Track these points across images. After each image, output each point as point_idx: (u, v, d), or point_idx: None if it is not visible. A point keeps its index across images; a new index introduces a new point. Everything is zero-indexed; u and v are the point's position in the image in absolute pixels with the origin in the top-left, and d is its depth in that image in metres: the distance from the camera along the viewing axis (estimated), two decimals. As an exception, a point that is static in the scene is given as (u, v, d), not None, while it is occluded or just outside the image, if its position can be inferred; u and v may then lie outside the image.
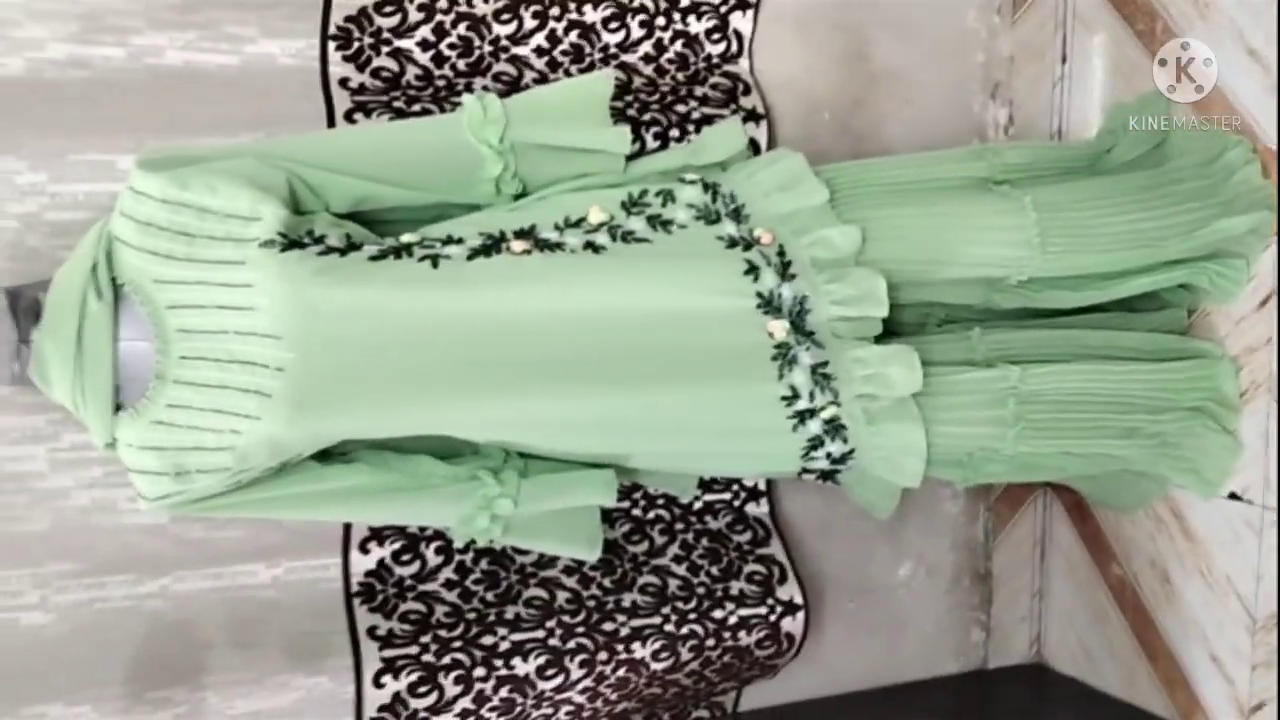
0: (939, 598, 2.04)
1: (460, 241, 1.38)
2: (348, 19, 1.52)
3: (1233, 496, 1.67)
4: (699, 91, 1.68)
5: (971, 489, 2.04)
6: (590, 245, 1.40)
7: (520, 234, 1.40)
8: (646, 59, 1.68)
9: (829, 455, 1.49)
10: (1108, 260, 1.58)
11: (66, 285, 1.28)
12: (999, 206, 1.57)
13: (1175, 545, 1.79)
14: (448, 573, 1.58)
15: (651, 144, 1.61)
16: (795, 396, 1.43)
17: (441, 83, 1.57)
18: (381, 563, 1.56)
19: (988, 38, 1.95)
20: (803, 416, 1.44)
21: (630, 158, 1.51)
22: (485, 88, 1.58)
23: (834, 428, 1.46)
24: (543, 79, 1.62)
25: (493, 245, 1.38)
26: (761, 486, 1.80)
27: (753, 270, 1.43)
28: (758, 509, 1.78)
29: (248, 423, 1.28)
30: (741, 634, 1.64)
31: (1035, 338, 1.64)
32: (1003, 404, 1.53)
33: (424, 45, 1.57)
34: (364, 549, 1.56)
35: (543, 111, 1.45)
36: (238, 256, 1.27)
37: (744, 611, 1.65)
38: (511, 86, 1.60)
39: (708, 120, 1.65)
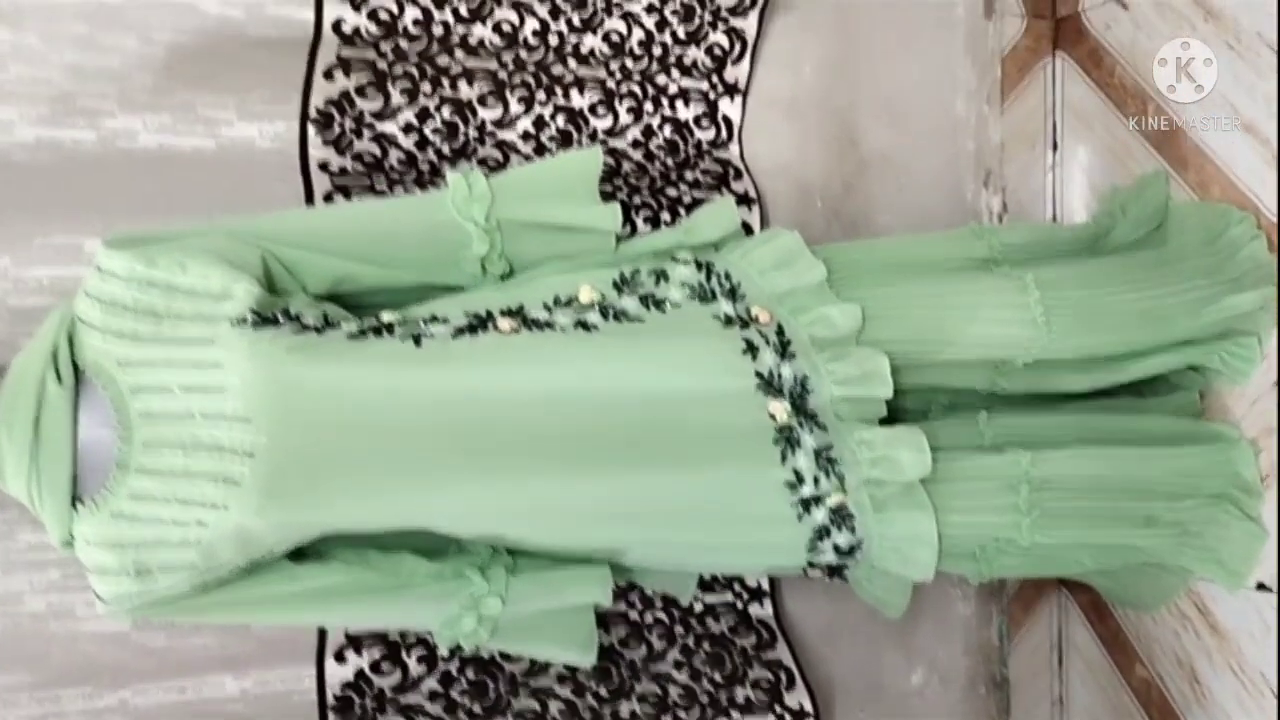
0: (954, 706, 1.92)
1: (445, 320, 1.31)
2: (328, 102, 1.48)
3: (1260, 587, 1.58)
4: (689, 176, 1.65)
5: (984, 590, 1.94)
6: (581, 324, 1.34)
7: (508, 313, 1.34)
8: (635, 144, 1.65)
9: (836, 547, 1.40)
10: (1115, 340, 1.53)
11: (24, 371, 1.20)
12: (1000, 285, 1.52)
13: (1203, 641, 1.70)
14: (431, 683, 1.47)
15: (642, 228, 1.57)
16: (800, 482, 1.35)
17: (425, 167, 1.53)
18: (360, 673, 1.45)
19: (977, 125, 1.93)
20: (808, 504, 1.36)
21: (620, 240, 1.46)
22: (470, 167, 1.54)
23: (841, 517, 1.38)
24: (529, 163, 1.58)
25: (479, 324, 1.31)
26: (765, 586, 1.70)
27: (751, 349, 1.36)
28: (761, 610, 1.68)
29: (214, 513, 1.19)
30: (749, 744, 1.52)
31: (1044, 423, 1.58)
32: (1015, 490, 1.46)
33: (407, 129, 1.53)
34: (340, 658, 1.45)
35: (530, 188, 1.41)
36: (207, 335, 1.20)
37: (750, 720, 1.53)
38: (498, 171, 1.55)
39: (699, 204, 1.61)
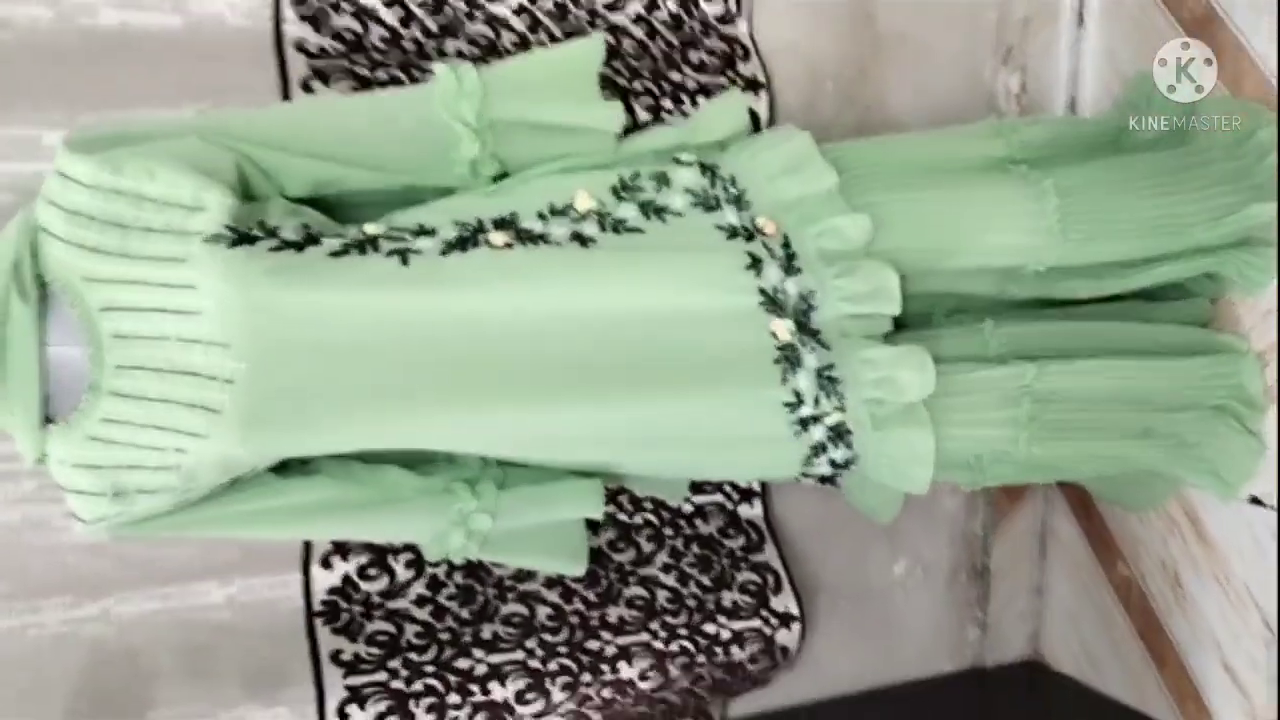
0: (935, 595, 1.94)
1: (433, 233, 1.23)
2: (305, -28, 1.35)
3: (1254, 501, 1.57)
4: (694, 57, 1.53)
5: (971, 481, 1.93)
6: (578, 237, 1.26)
7: (500, 224, 1.26)
8: (637, 19, 1.53)
9: (832, 462, 1.37)
10: (1131, 248, 1.47)
11: (-15, 284, 1.12)
12: (1018, 192, 1.44)
13: (1189, 549, 1.70)
14: (419, 588, 1.46)
15: (643, 115, 1.47)
16: (799, 403, 1.31)
17: (410, 46, 1.41)
18: (346, 579, 1.43)
19: (1001, -3, 1.80)
20: (805, 423, 1.32)
21: (621, 134, 1.36)
22: (459, 52, 1.43)
23: (838, 434, 1.35)
24: (523, 43, 1.46)
25: (469, 237, 1.23)
26: (756, 487, 1.68)
27: (755, 264, 1.30)
28: (751, 511, 1.66)
29: (194, 441, 1.14)
30: (734, 649, 1.53)
31: (1051, 330, 1.53)
32: (1016, 404, 1.43)
33: (390, 2, 1.40)
34: (327, 564, 1.43)
35: (525, 84, 1.30)
36: (179, 253, 1.11)
37: (737, 625, 1.54)
38: (488, 51, 1.44)
39: (703, 89, 1.51)
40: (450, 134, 1.27)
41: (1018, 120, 1.56)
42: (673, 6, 1.55)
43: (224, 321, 1.12)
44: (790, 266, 1.32)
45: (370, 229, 1.22)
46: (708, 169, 1.35)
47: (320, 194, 1.26)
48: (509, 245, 1.23)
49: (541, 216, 1.27)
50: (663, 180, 1.33)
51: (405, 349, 1.17)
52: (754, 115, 1.54)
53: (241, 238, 1.14)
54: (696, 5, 1.57)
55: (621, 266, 1.25)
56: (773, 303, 1.30)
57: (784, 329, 1.30)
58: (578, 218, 1.28)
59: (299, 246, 1.17)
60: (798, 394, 1.30)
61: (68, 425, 1.14)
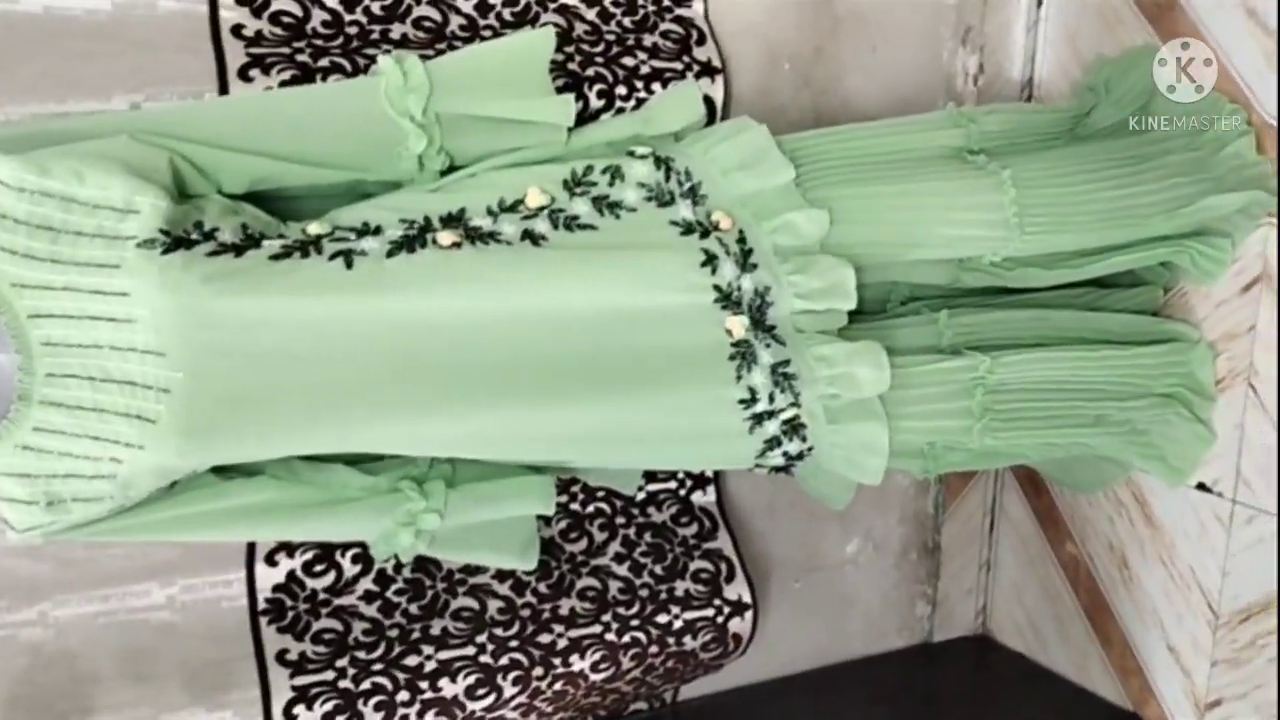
0: (886, 572, 1.95)
1: (378, 232, 1.19)
2: (241, -47, 1.29)
3: (1201, 487, 1.59)
4: (648, 41, 1.49)
5: (923, 460, 1.94)
6: (529, 235, 1.23)
7: (448, 220, 1.22)
8: (589, 1, 1.48)
9: (785, 454, 1.37)
10: (1088, 238, 1.47)
11: (-94, 289, 1.07)
12: (976, 183, 1.43)
13: (1136, 530, 1.72)
14: (367, 583, 1.43)
15: (595, 102, 1.42)
16: (754, 399, 1.29)
17: (353, 29, 1.35)
18: (291, 575, 1.41)
19: (961, -24, 1.77)
20: (760, 418, 1.31)
21: (572, 129, 1.32)
22: (404, 37, 1.37)
23: (793, 428, 1.34)
24: (471, 28, 1.41)
25: (416, 237, 1.19)
26: (709, 473, 1.67)
27: (710, 261, 1.27)
28: (704, 498, 1.65)
29: (129, 451, 1.10)
30: (687, 639, 1.52)
31: (1004, 320, 1.53)
32: (970, 395, 1.43)
33: (333, -15, 1.35)
34: (271, 561, 1.40)
35: (473, 77, 1.25)
36: (111, 259, 1.07)
37: (690, 615, 1.53)
38: (435, 35, 1.39)
39: (658, 75, 1.46)
40: (396, 129, 1.23)
41: (976, 110, 1.53)
42: (627, -15, 1.51)
43: (159, 330, 1.08)
44: (746, 263, 1.30)
45: (313, 229, 1.17)
46: (662, 162, 1.32)
47: (260, 190, 1.22)
48: (457, 244, 1.19)
49: (491, 213, 1.24)
50: (616, 174, 1.30)
51: (349, 355, 1.14)
52: (709, 102, 1.50)
53: (176, 242, 1.09)
54: (651, -14, 1.52)
55: (574, 267, 1.22)
56: (727, 300, 1.28)
57: (739, 325, 1.28)
58: (529, 214, 1.24)
59: (238, 250, 1.12)
60: (752, 391, 1.29)
61: (-1, 435, 1.10)
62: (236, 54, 1.28)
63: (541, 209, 1.25)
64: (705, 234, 1.29)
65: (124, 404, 1.09)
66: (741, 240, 1.31)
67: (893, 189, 1.40)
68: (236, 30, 1.30)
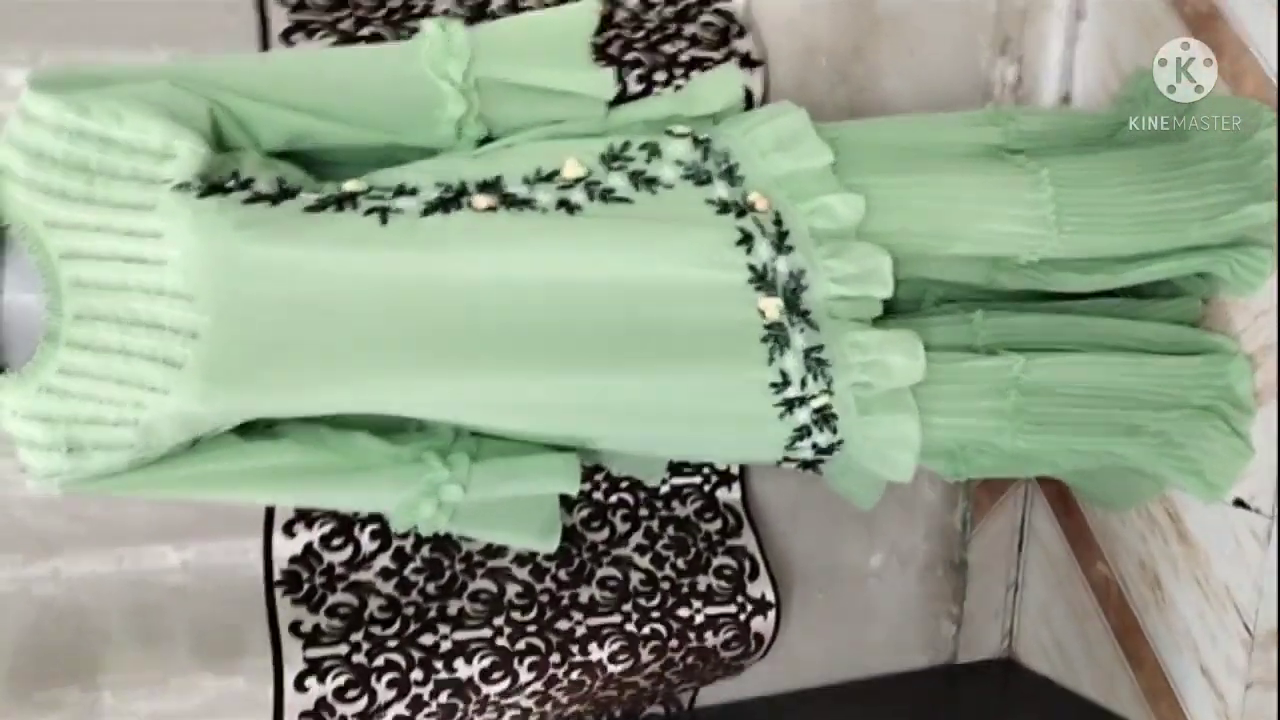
0: (910, 587, 1.91)
1: (414, 193, 1.18)
2: (288, -81, 1.30)
3: (1238, 503, 1.55)
4: (689, 30, 1.49)
5: (951, 474, 1.91)
6: (564, 204, 1.22)
7: (484, 187, 1.21)
8: (631, -11, 1.49)
9: (815, 446, 1.34)
10: (1125, 243, 1.44)
11: (-61, 224, 1.07)
12: (1014, 179, 1.42)
13: (1169, 549, 1.68)
14: (384, 560, 1.41)
15: (634, 87, 1.43)
16: (785, 383, 1.27)
17: (396, 2, 1.36)
18: (309, 547, 1.39)
19: (1001, -14, 1.77)
20: (791, 405, 1.29)
21: (611, 103, 1.32)
22: (447, 11, 1.38)
23: (824, 417, 1.31)
24: (512, 6, 1.41)
25: (452, 199, 1.18)
26: (734, 470, 1.64)
27: (746, 240, 1.26)
28: (729, 495, 1.63)
29: (153, 396, 1.09)
30: (708, 635, 1.49)
31: (1040, 323, 1.50)
32: (1003, 395, 1.41)
33: (379, -42, 1.36)
34: (289, 531, 1.38)
35: (515, 45, 1.25)
36: (146, 200, 1.06)
37: (711, 610, 1.50)
38: (477, 12, 1.40)
39: (698, 63, 1.47)
40: (435, 92, 1.22)
41: (1015, 109, 1.52)
42: (668, -24, 1.51)
43: (189, 273, 1.07)
44: (781, 244, 1.28)
45: (349, 186, 1.17)
46: (700, 142, 1.32)
47: (297, 148, 1.21)
48: (492, 208, 1.18)
49: (527, 181, 1.23)
50: (654, 151, 1.29)
51: (379, 310, 1.13)
52: (747, 93, 1.50)
53: (212, 187, 1.09)
54: (693, -24, 1.53)
55: (608, 234, 1.21)
56: (762, 280, 1.26)
57: (773, 307, 1.26)
58: (565, 184, 1.24)
59: (273, 199, 1.12)
60: (784, 374, 1.27)
61: (21, 375, 1.09)
62: (280, 18, 1.29)
63: (578, 180, 1.24)
64: (741, 213, 1.28)
65: (150, 347, 1.08)
66: (778, 222, 1.29)
67: (930, 179, 1.38)
68: (281, -4, 1.30)
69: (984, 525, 1.96)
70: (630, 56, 1.42)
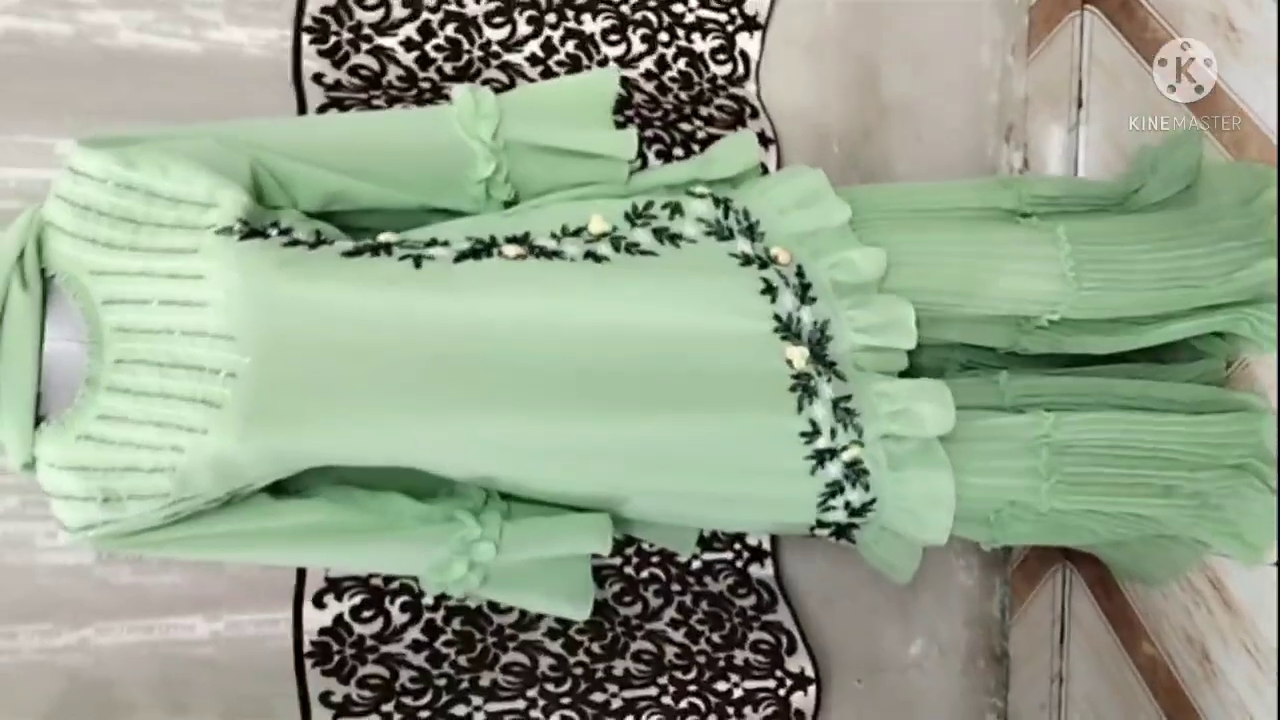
0: (953, 679, 1.85)
1: (446, 244, 1.22)
2: (325, 10, 1.38)
3: (1281, 564, 1.52)
4: (704, 111, 1.55)
5: (986, 561, 1.88)
6: (591, 255, 1.25)
7: (513, 240, 1.25)
8: (648, 75, 1.55)
9: (848, 504, 1.33)
10: (1145, 300, 1.46)
11: (-13, 276, 1.10)
12: (1030, 236, 1.45)
13: (1215, 619, 1.63)
14: (415, 633, 1.38)
15: (654, 161, 1.48)
16: (816, 433, 1.27)
17: (426, 85, 1.43)
18: (339, 619, 1.36)
19: (1002, 77, 1.85)
20: (822, 457, 1.28)
21: (633, 170, 1.37)
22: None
23: (855, 472, 1.30)
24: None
25: (483, 249, 1.22)
26: (766, 546, 1.62)
27: (770, 290, 1.28)
28: (762, 571, 1.60)
29: (192, 438, 1.09)
30: (747, 710, 1.44)
31: (1066, 384, 1.50)
32: (1035, 453, 1.39)
33: (408, 45, 1.43)
34: (319, 603, 1.36)
35: (541, 109, 1.31)
36: (190, 244, 1.10)
37: (750, 684, 1.46)
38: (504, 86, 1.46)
39: (714, 140, 1.52)
40: (466, 153, 1.27)
41: (1026, 176, 1.56)
42: (682, 65, 1.58)
43: (231, 313, 1.09)
44: (805, 296, 1.30)
45: (384, 237, 1.21)
46: (720, 201, 1.35)
47: (333, 209, 1.26)
48: (521, 257, 1.22)
49: (555, 236, 1.26)
50: (676, 209, 1.33)
51: (413, 350, 1.14)
52: (764, 169, 1.55)
53: (254, 232, 1.12)
54: (706, 66, 1.60)
55: (635, 280, 1.23)
56: (787, 330, 1.28)
57: (799, 356, 1.27)
58: (591, 238, 1.27)
59: (311, 245, 1.15)
60: (814, 424, 1.27)
61: (60, 424, 1.10)
62: (316, 97, 1.35)
63: (603, 235, 1.28)
64: (764, 265, 1.30)
65: (190, 388, 1.09)
66: (800, 274, 1.32)
67: (946, 237, 1.41)
68: (317, 77, 1.37)
69: (1023, 613, 1.91)
70: (649, 133, 1.47)
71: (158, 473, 1.11)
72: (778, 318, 1.27)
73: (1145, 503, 1.45)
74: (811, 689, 1.49)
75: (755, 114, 1.59)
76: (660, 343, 1.23)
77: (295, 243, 1.15)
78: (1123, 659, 1.81)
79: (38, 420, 1.11)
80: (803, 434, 1.27)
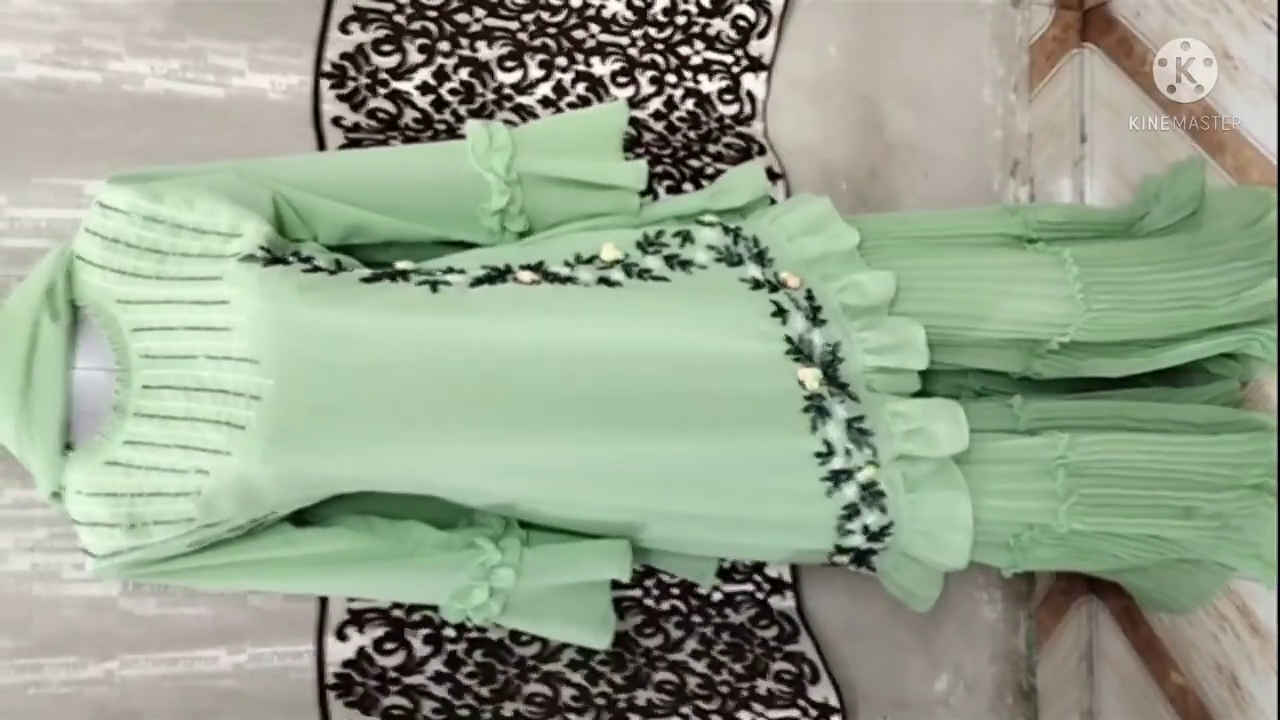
0: (981, 717, 1.83)
1: (462, 272, 1.25)
2: (343, 56, 1.43)
3: (1305, 584, 1.50)
4: (712, 149, 1.59)
5: (1010, 595, 1.86)
6: (604, 280, 1.28)
7: (528, 267, 1.27)
8: (656, 116, 1.59)
9: (865, 528, 1.33)
10: (1154, 321, 1.46)
11: (17, 309, 1.13)
12: (1038, 259, 1.47)
13: (1243, 644, 1.61)
14: (437, 664, 1.38)
15: (664, 197, 1.50)
16: (830, 453, 1.28)
17: (441, 127, 1.47)
18: (361, 651, 1.36)
19: (1004, 115, 1.88)
20: (838, 479, 1.29)
21: (643, 203, 1.40)
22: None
23: (872, 494, 1.31)
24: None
25: (498, 275, 1.25)
26: (786, 577, 1.62)
27: (781, 313, 1.30)
28: (783, 603, 1.59)
29: (216, 460, 1.12)
30: (771, 740, 1.43)
31: (1081, 407, 1.51)
32: (1052, 475, 1.39)
33: (424, 89, 1.48)
34: (342, 635, 1.37)
35: (553, 141, 1.35)
36: (214, 272, 1.13)
37: (774, 715, 1.44)
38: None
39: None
40: (481, 185, 1.31)
41: (1031, 204, 1.59)
42: (690, 106, 1.62)
43: (254, 337, 1.12)
44: (815, 318, 1.32)
45: (401, 265, 1.24)
46: (730, 229, 1.38)
47: (352, 242, 1.29)
48: (536, 283, 1.24)
49: (568, 263, 1.29)
50: (686, 237, 1.36)
51: (431, 373, 1.17)
52: (772, 202, 1.58)
53: (275, 259, 1.15)
54: (713, 106, 1.64)
55: (648, 303, 1.26)
56: (799, 351, 1.29)
57: (811, 377, 1.29)
58: (604, 265, 1.30)
59: (332, 271, 1.19)
60: (828, 444, 1.28)
61: (88, 451, 1.13)
62: (336, 138, 1.40)
63: (616, 262, 1.30)
64: (774, 289, 1.32)
65: (215, 411, 1.12)
66: (810, 297, 1.34)
67: (954, 261, 1.43)
68: (336, 120, 1.42)
69: (1049, 648, 1.89)
70: (659, 170, 1.51)
71: (183, 497, 1.13)
72: (789, 339, 1.29)
73: (1165, 524, 1.45)
74: (836, 719, 1.48)
75: (763, 151, 1.63)
76: (673, 365, 1.24)
77: (316, 269, 1.18)
78: (1152, 690, 1.78)
79: (67, 448, 1.14)
80: (817, 454, 1.28)
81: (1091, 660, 1.90)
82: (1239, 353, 1.54)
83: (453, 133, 1.47)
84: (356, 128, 1.42)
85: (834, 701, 1.50)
